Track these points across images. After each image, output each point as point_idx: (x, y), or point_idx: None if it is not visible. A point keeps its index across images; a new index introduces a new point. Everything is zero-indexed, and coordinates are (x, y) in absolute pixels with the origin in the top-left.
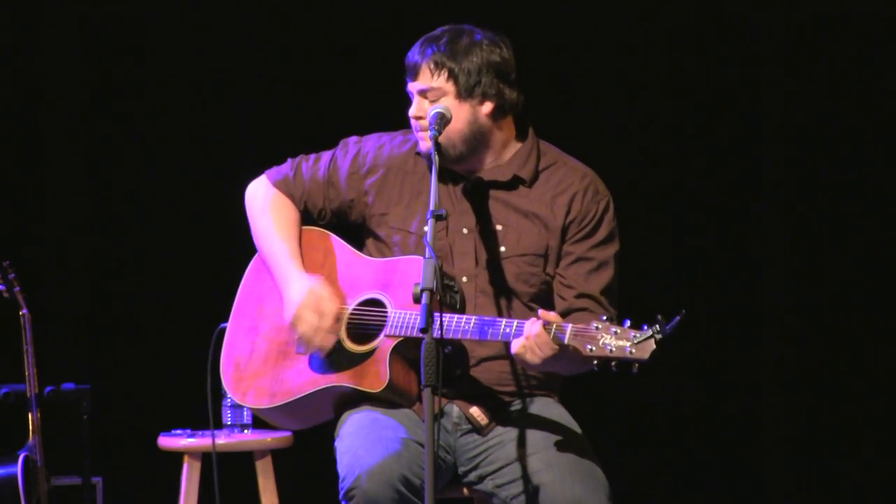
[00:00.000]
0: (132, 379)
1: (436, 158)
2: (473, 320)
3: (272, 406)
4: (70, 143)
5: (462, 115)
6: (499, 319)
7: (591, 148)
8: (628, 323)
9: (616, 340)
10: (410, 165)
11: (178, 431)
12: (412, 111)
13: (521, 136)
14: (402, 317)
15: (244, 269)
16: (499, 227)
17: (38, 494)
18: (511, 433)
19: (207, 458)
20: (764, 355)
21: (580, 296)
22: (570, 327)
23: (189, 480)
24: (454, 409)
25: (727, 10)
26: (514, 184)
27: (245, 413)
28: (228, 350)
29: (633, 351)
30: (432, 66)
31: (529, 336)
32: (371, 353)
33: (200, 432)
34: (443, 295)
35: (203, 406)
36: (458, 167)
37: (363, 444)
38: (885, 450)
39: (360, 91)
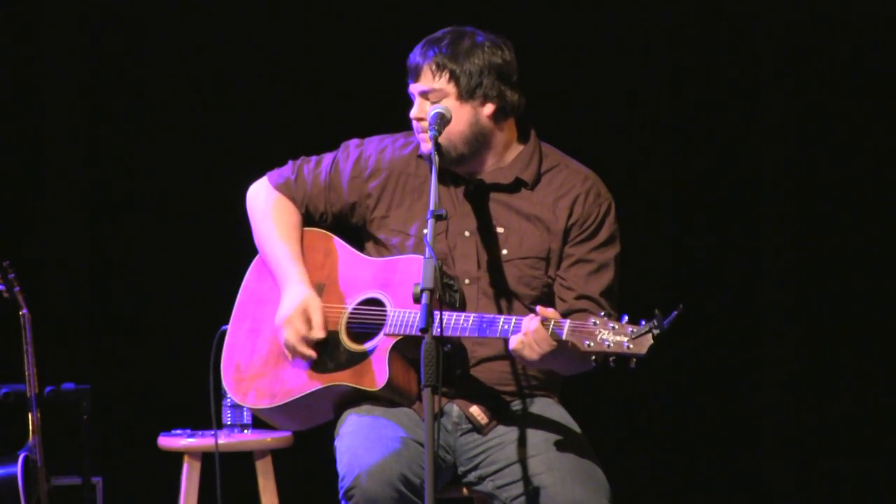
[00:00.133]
0: (132, 379)
1: (435, 158)
2: (472, 318)
3: (272, 406)
4: (70, 143)
5: (463, 116)
6: (497, 317)
7: (592, 149)
8: (626, 318)
9: (614, 336)
10: (412, 168)
11: (178, 431)
12: (413, 112)
13: (522, 138)
14: (402, 315)
15: (245, 270)
16: (500, 230)
17: (38, 494)
18: (511, 434)
19: (207, 458)
20: (764, 355)
21: (580, 297)
22: (567, 323)
23: (189, 480)
24: (454, 408)
25: (727, 10)
26: (516, 186)
27: (245, 413)
28: (229, 351)
29: (631, 346)
30: (434, 67)
31: (528, 332)
32: (371, 351)
33: (200, 432)
34: (442, 294)
35: (203, 406)
36: (460, 169)
37: (363, 443)
38: (885, 450)
39: (361, 92)
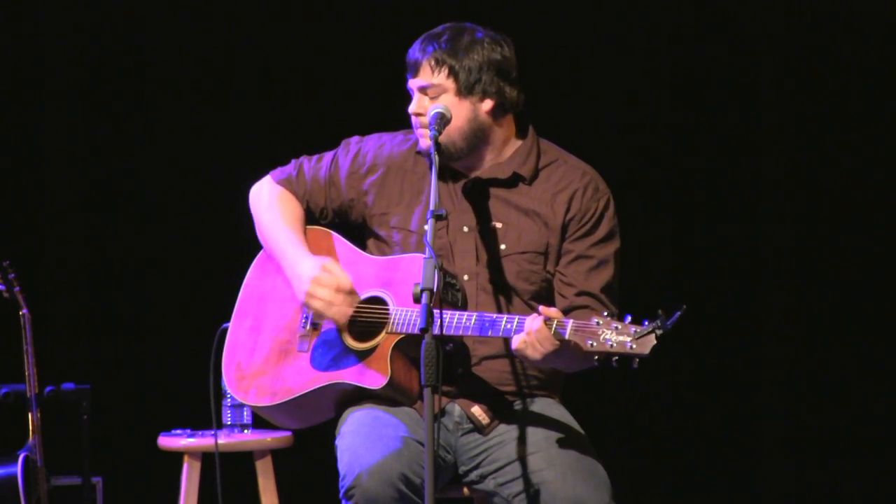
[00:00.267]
0: (132, 379)
1: (436, 159)
2: (474, 317)
3: (273, 404)
4: (70, 143)
5: (462, 112)
6: (499, 316)
7: (591, 147)
8: (629, 318)
9: (617, 336)
10: (410, 164)
11: (178, 431)
12: (412, 108)
13: (521, 134)
14: (404, 314)
15: (245, 269)
16: (499, 225)
17: (38, 494)
18: (512, 432)
19: (207, 458)
20: (764, 355)
21: (580, 294)
22: (570, 323)
23: (189, 480)
24: (455, 408)
25: (727, 10)
26: (514, 181)
27: (245, 413)
28: (230, 349)
29: (634, 346)
30: (433, 62)
31: (530, 331)
32: (373, 350)
33: (200, 432)
34: (444, 293)
35: (203, 406)
36: (458, 165)
37: (364, 442)
38: (884, 450)
39: (361, 92)
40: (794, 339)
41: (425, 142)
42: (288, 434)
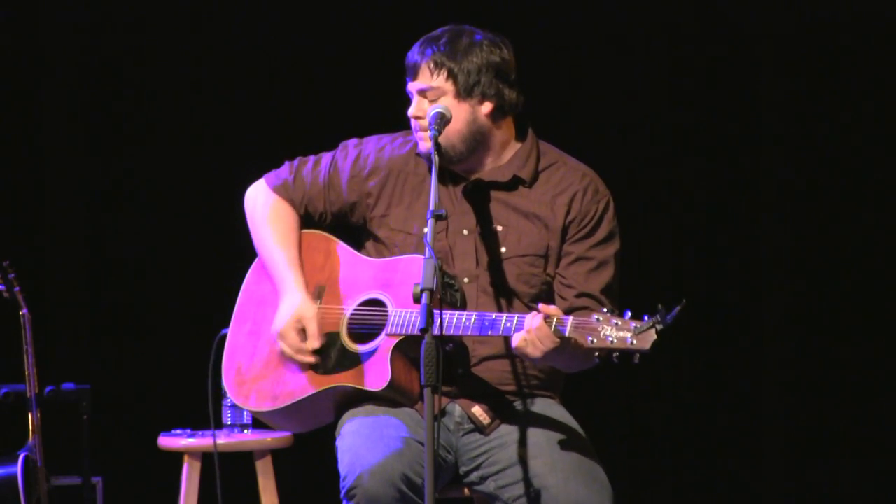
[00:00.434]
0: (132, 379)
1: (435, 158)
2: (474, 317)
3: (274, 409)
4: (70, 143)
5: (461, 114)
6: (499, 315)
7: (591, 147)
8: (629, 314)
9: (617, 331)
10: (411, 167)
11: (178, 431)
12: (411, 111)
13: (520, 136)
14: (403, 315)
15: (245, 268)
16: (499, 228)
17: (38, 494)
18: (513, 434)
19: (207, 458)
20: (764, 355)
21: (581, 295)
22: (570, 320)
23: (189, 480)
24: (456, 408)
25: (727, 10)
26: (514, 184)
27: (245, 413)
28: (230, 354)
29: (635, 341)
30: (432, 65)
31: (530, 329)
32: (372, 352)
33: (200, 432)
34: (443, 293)
35: (203, 406)
36: (458, 168)
37: (364, 442)
38: (884, 450)
39: (360, 92)
40: (794, 339)
41: (425, 144)
42: (288, 434)
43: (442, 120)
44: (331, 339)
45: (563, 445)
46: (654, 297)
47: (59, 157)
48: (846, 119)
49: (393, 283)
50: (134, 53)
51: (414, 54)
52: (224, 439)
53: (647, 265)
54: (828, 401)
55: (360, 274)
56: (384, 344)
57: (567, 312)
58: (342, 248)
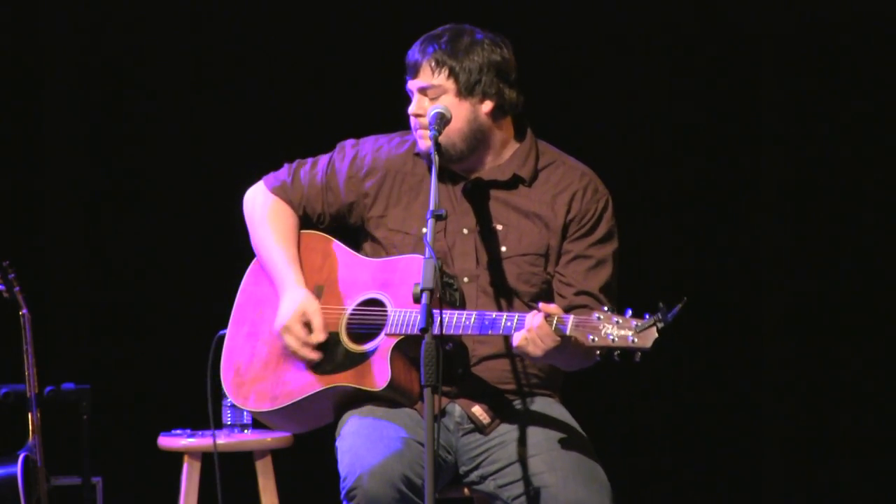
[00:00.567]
0: (132, 379)
1: (436, 159)
2: (474, 316)
3: (274, 409)
4: (70, 143)
5: (462, 113)
6: (499, 314)
7: (591, 147)
8: (630, 312)
9: (618, 330)
10: (409, 167)
11: (178, 431)
12: (412, 109)
13: (519, 136)
14: (403, 315)
15: (243, 269)
16: (499, 227)
17: (38, 494)
18: (513, 433)
19: (207, 458)
20: (764, 355)
21: (579, 293)
22: (571, 318)
23: (189, 480)
24: (456, 408)
25: (727, 10)
26: (513, 183)
27: (245, 413)
28: (228, 355)
29: (636, 340)
30: (433, 63)
31: (531, 328)
32: (372, 352)
33: (200, 432)
34: (443, 293)
35: (203, 406)
36: (458, 167)
37: (364, 443)
38: (884, 450)
39: (359, 92)
40: (794, 339)
41: (425, 143)
42: (288, 434)
43: (442, 120)
44: (330, 339)
45: (563, 444)
46: (655, 297)
47: (60, 156)
48: (846, 119)
49: (392, 282)
50: (134, 53)
51: (415, 52)
52: (224, 439)
53: (647, 265)
54: (828, 401)
55: (358, 274)
56: (384, 344)
57: (566, 311)
58: (340, 249)
